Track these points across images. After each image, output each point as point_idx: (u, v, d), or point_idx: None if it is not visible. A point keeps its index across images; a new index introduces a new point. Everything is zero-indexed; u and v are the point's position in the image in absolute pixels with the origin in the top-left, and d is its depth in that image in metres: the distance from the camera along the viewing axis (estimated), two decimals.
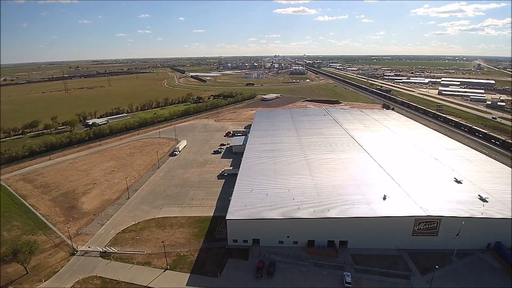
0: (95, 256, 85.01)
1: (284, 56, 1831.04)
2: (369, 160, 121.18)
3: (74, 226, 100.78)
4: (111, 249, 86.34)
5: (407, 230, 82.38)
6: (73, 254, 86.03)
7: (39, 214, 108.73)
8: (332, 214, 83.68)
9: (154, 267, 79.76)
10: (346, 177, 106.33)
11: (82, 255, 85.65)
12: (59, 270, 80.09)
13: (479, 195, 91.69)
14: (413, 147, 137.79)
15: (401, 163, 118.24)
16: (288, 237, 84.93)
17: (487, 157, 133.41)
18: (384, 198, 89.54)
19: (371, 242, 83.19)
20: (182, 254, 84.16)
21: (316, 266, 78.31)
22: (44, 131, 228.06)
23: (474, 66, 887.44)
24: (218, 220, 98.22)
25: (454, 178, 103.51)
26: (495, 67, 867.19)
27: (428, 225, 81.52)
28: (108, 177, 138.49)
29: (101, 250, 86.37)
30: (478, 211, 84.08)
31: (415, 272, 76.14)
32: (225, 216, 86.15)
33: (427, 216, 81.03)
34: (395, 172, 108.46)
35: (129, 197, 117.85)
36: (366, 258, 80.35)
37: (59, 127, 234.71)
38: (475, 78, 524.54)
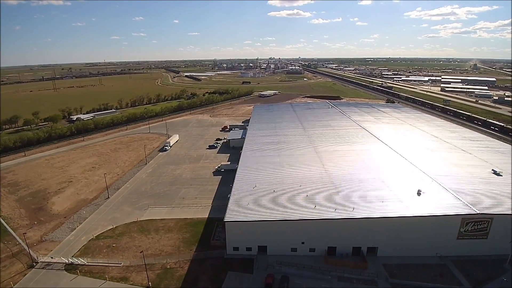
0: (59, 269, 67.50)
1: (279, 58, 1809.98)
2: (389, 152, 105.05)
3: (38, 231, 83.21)
4: (79, 260, 68.70)
5: (451, 233, 66.23)
6: (32, 267, 68.57)
7: None
8: (358, 213, 67.09)
9: (132, 284, 62.18)
10: (366, 170, 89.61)
11: (42, 268, 68.22)
12: (11, 287, 62.61)
13: None
14: (434, 138, 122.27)
15: (427, 154, 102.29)
16: (303, 243, 68.19)
17: None
18: (419, 194, 73.05)
19: (406, 249, 66.86)
20: (168, 267, 66.73)
21: (340, 280, 61.42)
22: (24, 127, 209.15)
23: (470, 66, 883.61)
24: (215, 223, 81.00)
25: (493, 170, 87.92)
26: (491, 67, 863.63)
27: (477, 225, 65.44)
28: (87, 174, 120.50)
29: (67, 261, 68.80)
30: None
31: (466, 286, 59.90)
32: (222, 218, 69.08)
33: (478, 214, 64.85)
34: (423, 164, 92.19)
35: (108, 197, 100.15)
36: (402, 268, 63.78)
37: (40, 123, 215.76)
38: (475, 77, 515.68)
